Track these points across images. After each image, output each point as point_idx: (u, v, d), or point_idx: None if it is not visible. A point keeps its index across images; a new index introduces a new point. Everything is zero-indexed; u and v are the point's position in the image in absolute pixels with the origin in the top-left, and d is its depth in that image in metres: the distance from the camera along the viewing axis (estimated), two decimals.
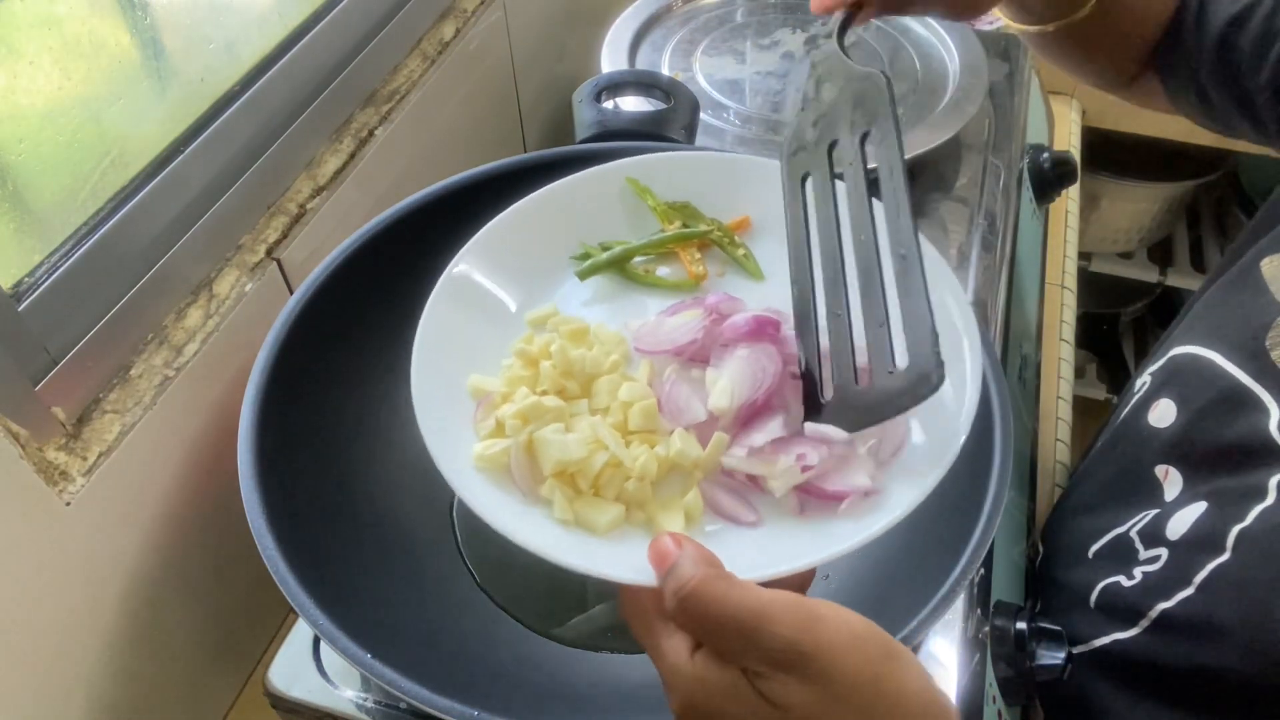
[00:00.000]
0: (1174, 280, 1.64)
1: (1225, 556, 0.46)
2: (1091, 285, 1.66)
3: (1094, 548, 0.56)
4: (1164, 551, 0.50)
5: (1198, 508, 0.49)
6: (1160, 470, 0.53)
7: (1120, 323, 1.84)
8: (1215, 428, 0.50)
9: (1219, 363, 0.51)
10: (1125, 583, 0.52)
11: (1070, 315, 0.97)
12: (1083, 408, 0.92)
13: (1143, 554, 0.52)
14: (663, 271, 0.51)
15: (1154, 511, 0.52)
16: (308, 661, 0.54)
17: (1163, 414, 0.54)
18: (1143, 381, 0.58)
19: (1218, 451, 0.50)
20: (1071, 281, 1.01)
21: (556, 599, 0.58)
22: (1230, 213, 1.64)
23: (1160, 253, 1.68)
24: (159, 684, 0.60)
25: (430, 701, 0.43)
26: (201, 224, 0.57)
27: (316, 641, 0.55)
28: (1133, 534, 0.53)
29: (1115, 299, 1.80)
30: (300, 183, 0.65)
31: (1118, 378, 1.78)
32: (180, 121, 0.57)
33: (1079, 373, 1.76)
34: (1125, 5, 0.59)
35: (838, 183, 0.45)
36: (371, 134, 0.69)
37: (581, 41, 0.97)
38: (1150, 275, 1.64)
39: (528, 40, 0.88)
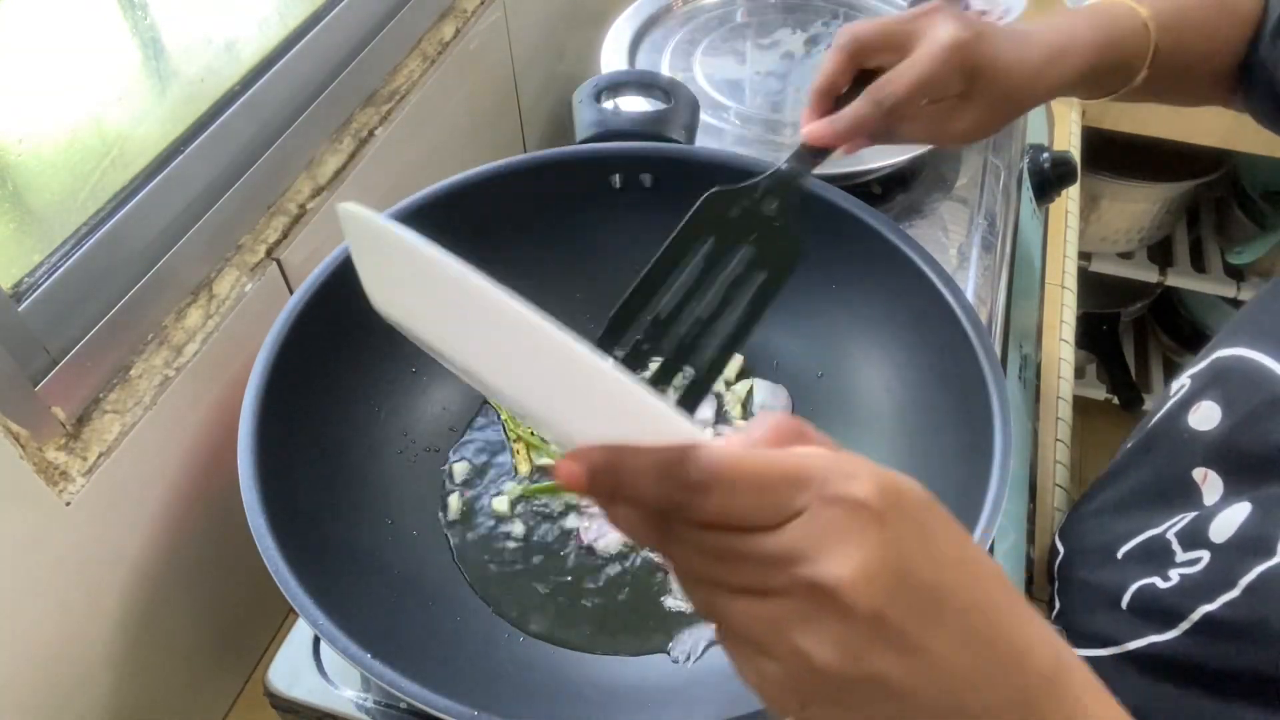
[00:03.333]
0: (1174, 280, 1.64)
1: (1276, 560, 0.46)
2: (1091, 285, 1.66)
3: (1124, 549, 0.56)
4: (1205, 554, 0.49)
5: (1242, 509, 0.49)
6: (1199, 473, 0.53)
7: (1120, 323, 1.84)
8: (1263, 432, 0.49)
9: (1269, 365, 0.50)
10: (1161, 584, 0.51)
11: (1070, 315, 0.97)
12: (1083, 408, 0.92)
13: (1180, 556, 0.51)
14: None
15: (1192, 514, 0.52)
16: (308, 661, 0.54)
17: (1205, 416, 0.53)
18: (1180, 384, 0.58)
19: (1265, 456, 0.49)
20: (1071, 281, 1.01)
21: (556, 599, 0.58)
22: (1230, 213, 1.64)
23: (1160, 253, 1.68)
24: (159, 684, 0.60)
25: (430, 701, 0.43)
26: (201, 224, 0.57)
27: (316, 641, 0.55)
28: (1169, 535, 0.53)
29: (1115, 299, 1.80)
30: (300, 183, 0.65)
31: (1118, 378, 1.78)
32: (180, 121, 0.57)
33: (1079, 373, 1.77)
34: (1186, 54, 0.58)
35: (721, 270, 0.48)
36: (371, 134, 0.69)
37: (581, 41, 0.97)
38: (1150, 275, 1.64)
39: (528, 40, 0.88)
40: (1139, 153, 1.46)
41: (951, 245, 0.76)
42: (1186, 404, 0.55)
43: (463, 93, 0.80)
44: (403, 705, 0.52)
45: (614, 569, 0.59)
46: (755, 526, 0.28)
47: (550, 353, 0.28)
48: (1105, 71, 0.56)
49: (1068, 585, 0.62)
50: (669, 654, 0.56)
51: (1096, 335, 1.81)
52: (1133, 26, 0.56)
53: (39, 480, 0.48)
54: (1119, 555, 0.56)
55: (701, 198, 0.49)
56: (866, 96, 0.51)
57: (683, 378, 0.47)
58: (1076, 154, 1.11)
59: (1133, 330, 1.90)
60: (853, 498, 0.27)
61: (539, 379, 0.29)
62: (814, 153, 0.52)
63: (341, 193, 0.66)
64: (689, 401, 0.45)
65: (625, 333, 0.46)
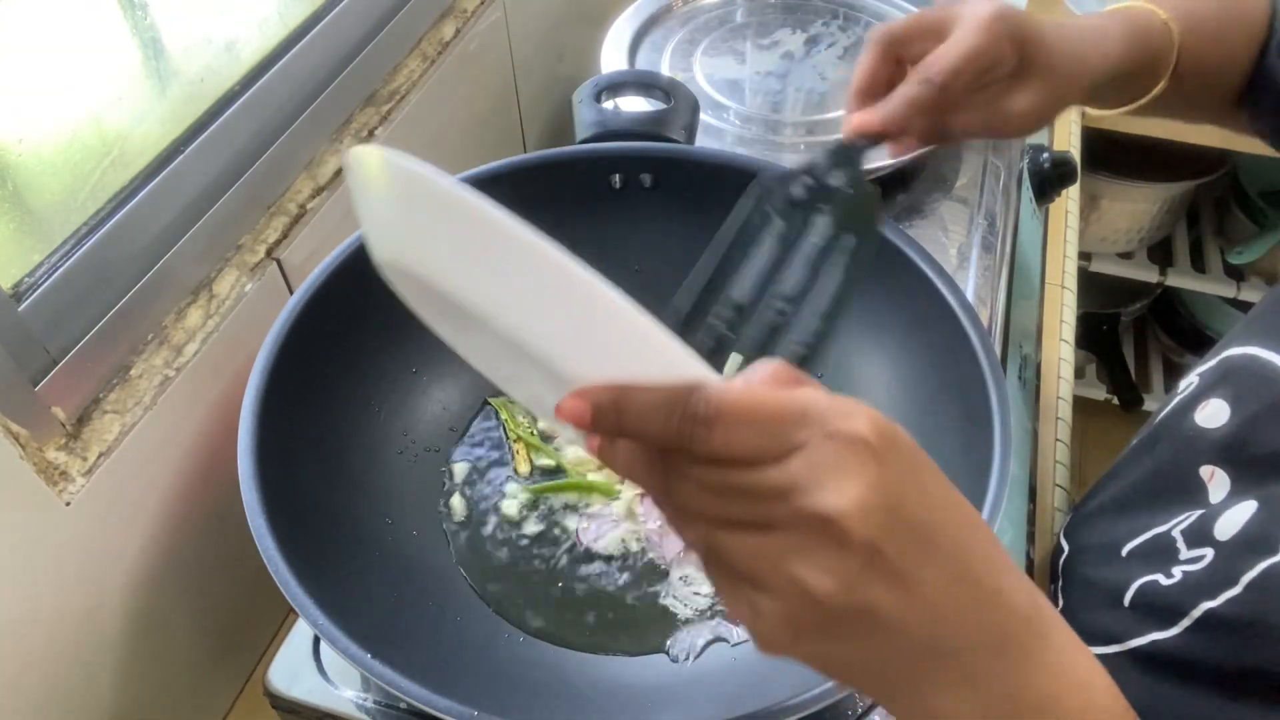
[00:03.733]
0: (1174, 280, 1.64)
1: (1278, 557, 0.45)
2: (1091, 285, 1.66)
3: (1129, 546, 0.56)
4: (1209, 551, 0.49)
5: (1247, 508, 0.48)
6: (1205, 471, 0.52)
7: (1120, 323, 1.84)
8: (1272, 431, 0.49)
9: (1279, 364, 0.50)
10: (1164, 581, 0.51)
11: (1070, 315, 0.97)
12: (1083, 408, 0.92)
13: (1184, 553, 0.51)
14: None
15: (1199, 512, 0.52)
16: (308, 661, 0.54)
17: (1212, 414, 0.53)
18: (1189, 382, 0.58)
19: (1273, 454, 0.49)
20: (1071, 281, 1.01)
21: (556, 599, 0.58)
22: (1230, 213, 1.64)
23: (1160, 253, 1.68)
24: (159, 684, 0.60)
25: (430, 701, 0.43)
26: (201, 224, 0.57)
27: (316, 641, 0.55)
28: (1174, 533, 0.52)
29: (1115, 299, 1.80)
30: (300, 183, 0.65)
31: (1118, 378, 1.78)
32: (180, 121, 0.57)
33: (1079, 373, 1.76)
34: (1203, 63, 0.57)
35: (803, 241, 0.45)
36: (371, 134, 0.69)
37: (581, 41, 0.97)
38: (1150, 275, 1.64)
39: (528, 40, 0.88)
40: (1139, 153, 1.46)
41: (951, 245, 0.76)
42: (1194, 401, 0.55)
43: (463, 93, 0.80)
44: (403, 705, 0.52)
45: (613, 569, 0.59)
46: (757, 460, 0.29)
47: (566, 283, 0.28)
48: (1134, 72, 0.55)
49: (1071, 582, 0.62)
50: (668, 653, 0.56)
51: (1096, 335, 1.81)
52: (1159, 29, 0.55)
53: (39, 480, 0.48)
54: (1123, 553, 0.56)
55: (751, 187, 0.46)
56: (913, 77, 0.48)
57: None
58: (1076, 154, 1.11)
59: (1133, 330, 1.90)
60: (852, 433, 0.28)
61: (552, 314, 0.29)
62: (860, 148, 0.49)
63: (341, 193, 0.66)
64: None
65: (701, 321, 0.43)
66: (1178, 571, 0.51)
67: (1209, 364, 0.56)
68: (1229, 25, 0.58)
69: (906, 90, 0.48)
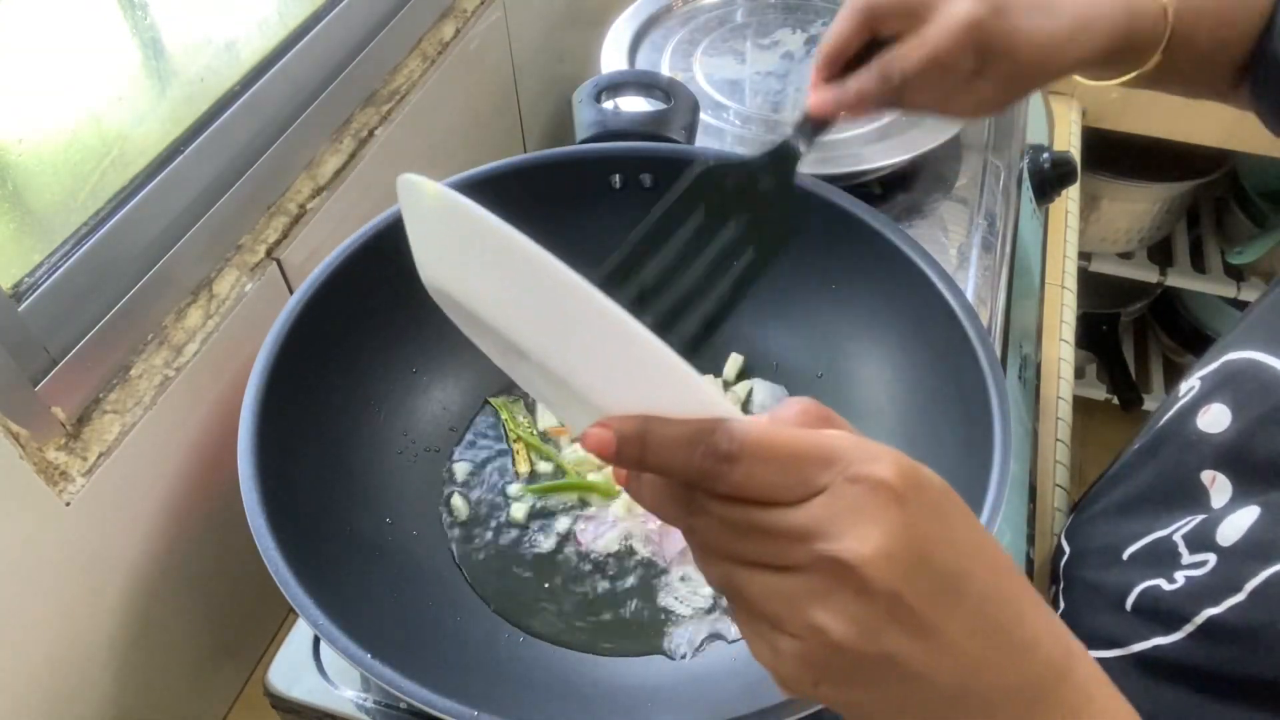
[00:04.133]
0: (1174, 280, 1.64)
1: None
2: (1091, 285, 1.66)
3: (1130, 550, 0.56)
4: (1212, 557, 0.49)
5: (1250, 513, 0.48)
6: (1207, 476, 0.52)
7: (1120, 323, 1.84)
8: (1274, 437, 0.49)
9: None
10: (1166, 586, 0.51)
11: (1070, 315, 0.97)
12: (1083, 408, 0.92)
13: (1186, 558, 0.51)
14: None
15: (1200, 517, 0.52)
16: (308, 661, 0.54)
17: (1214, 419, 0.53)
18: (1190, 385, 0.58)
19: (1275, 461, 0.49)
20: (1071, 281, 1.01)
21: (556, 599, 0.58)
22: (1230, 213, 1.64)
23: (1160, 253, 1.68)
24: (159, 684, 0.60)
25: (430, 701, 0.43)
26: (201, 224, 0.57)
27: (316, 641, 0.55)
28: (1176, 538, 0.52)
29: (1115, 299, 1.80)
30: (300, 183, 0.65)
31: (1118, 378, 1.78)
32: (180, 121, 0.57)
33: (1079, 373, 1.77)
34: (1199, 41, 0.57)
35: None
36: (371, 134, 0.69)
37: (581, 41, 0.97)
38: (1150, 275, 1.64)
39: (528, 40, 0.88)
40: (1139, 153, 1.46)
41: (951, 245, 0.76)
42: (1196, 406, 0.55)
43: (463, 93, 0.80)
44: (403, 705, 0.52)
45: (612, 569, 0.59)
46: (778, 501, 0.28)
47: (597, 319, 0.29)
48: (1123, 50, 0.55)
49: (1073, 585, 0.62)
50: (666, 650, 0.56)
51: (1096, 335, 1.81)
52: (1151, 9, 0.55)
53: (39, 480, 0.48)
54: (1125, 556, 0.56)
55: (695, 169, 0.48)
56: (875, 69, 0.50)
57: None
58: (1076, 154, 1.11)
59: (1133, 330, 1.90)
60: (875, 478, 0.28)
61: (582, 346, 0.30)
62: (817, 123, 0.51)
63: (341, 193, 0.66)
64: None
65: (618, 294, 0.45)
66: (1180, 577, 0.51)
67: (1210, 367, 0.56)
68: (1232, 5, 0.58)
69: (864, 81, 0.50)
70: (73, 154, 0.53)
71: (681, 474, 0.29)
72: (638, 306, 0.45)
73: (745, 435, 0.28)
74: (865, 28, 0.51)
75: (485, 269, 0.30)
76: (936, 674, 0.29)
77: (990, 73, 0.51)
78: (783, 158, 0.50)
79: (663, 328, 0.45)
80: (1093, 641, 0.55)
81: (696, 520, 0.30)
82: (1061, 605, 0.62)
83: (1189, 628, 0.49)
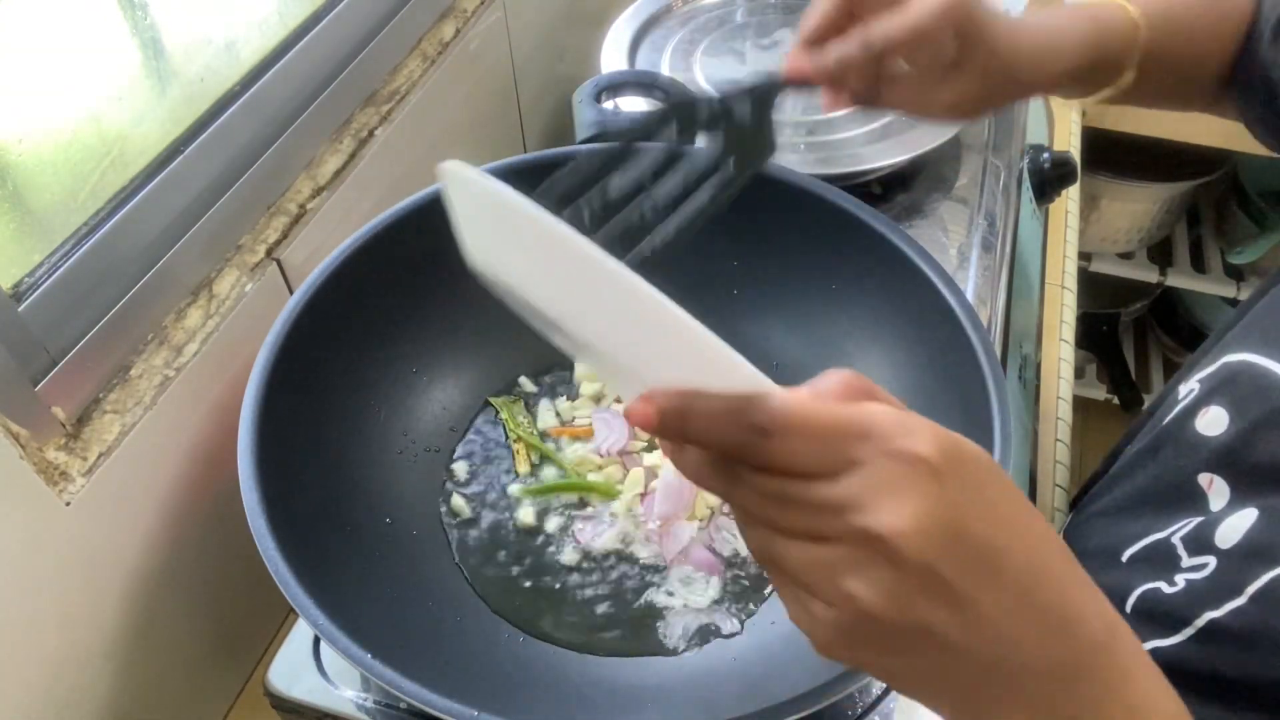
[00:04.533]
0: (1174, 280, 1.64)
1: None
2: (1091, 285, 1.66)
3: (1129, 552, 0.56)
4: (1212, 560, 0.49)
5: (1248, 515, 0.48)
6: (1204, 479, 0.52)
7: (1120, 323, 1.84)
8: (1271, 440, 0.49)
9: (1278, 372, 0.50)
10: (1166, 589, 0.51)
11: (1070, 315, 0.97)
12: (1083, 408, 0.92)
13: (1186, 561, 0.51)
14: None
15: (1198, 519, 0.52)
16: (308, 661, 0.54)
17: (1212, 422, 0.53)
18: (1189, 388, 0.57)
19: (1272, 465, 0.48)
20: (1071, 281, 1.01)
21: (555, 599, 0.58)
22: (1230, 213, 1.64)
23: (1160, 253, 1.68)
24: (159, 684, 0.60)
25: (430, 701, 0.43)
26: (201, 224, 0.57)
27: (316, 641, 0.55)
28: (1174, 540, 0.52)
29: (1115, 299, 1.80)
30: (300, 183, 0.65)
31: (1118, 378, 1.78)
32: (180, 121, 0.57)
33: (1079, 373, 1.77)
34: (1174, 56, 0.57)
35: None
36: (371, 134, 0.69)
37: (581, 41, 0.97)
38: (1150, 275, 1.64)
39: (528, 40, 0.88)
40: (1139, 153, 1.46)
41: (951, 245, 0.76)
42: (1194, 408, 0.55)
43: (463, 93, 0.80)
44: (403, 705, 0.52)
45: (612, 569, 0.59)
46: (815, 474, 0.29)
47: (636, 304, 0.30)
48: (1093, 69, 0.56)
49: None
50: (662, 641, 0.56)
51: (1096, 335, 1.81)
52: (1122, 24, 0.55)
53: (39, 480, 0.48)
54: (1124, 558, 0.56)
55: (668, 103, 0.48)
56: (855, 37, 0.50)
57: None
58: (1076, 154, 1.11)
59: (1133, 330, 1.90)
60: (912, 452, 0.28)
61: (623, 329, 0.31)
62: (784, 85, 0.51)
63: (342, 193, 0.66)
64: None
65: (567, 202, 0.44)
66: (1180, 580, 0.51)
67: (1209, 369, 0.56)
68: (1206, 17, 0.58)
69: (843, 48, 0.50)
70: (73, 154, 0.53)
71: (721, 447, 0.30)
72: (603, 215, 0.45)
73: (783, 410, 0.29)
74: (844, 6, 0.51)
75: (528, 254, 0.31)
76: (971, 646, 0.29)
77: (970, 65, 0.51)
78: (759, 90, 0.49)
79: (627, 241, 0.45)
80: None
81: (736, 490, 0.31)
82: None
83: (1189, 630, 0.49)
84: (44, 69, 0.52)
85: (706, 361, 0.30)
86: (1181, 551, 0.51)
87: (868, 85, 0.51)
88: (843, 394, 0.31)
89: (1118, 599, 0.54)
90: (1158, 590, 0.52)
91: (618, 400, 0.67)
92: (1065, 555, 0.31)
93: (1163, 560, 0.52)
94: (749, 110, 0.49)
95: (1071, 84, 0.57)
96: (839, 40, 0.50)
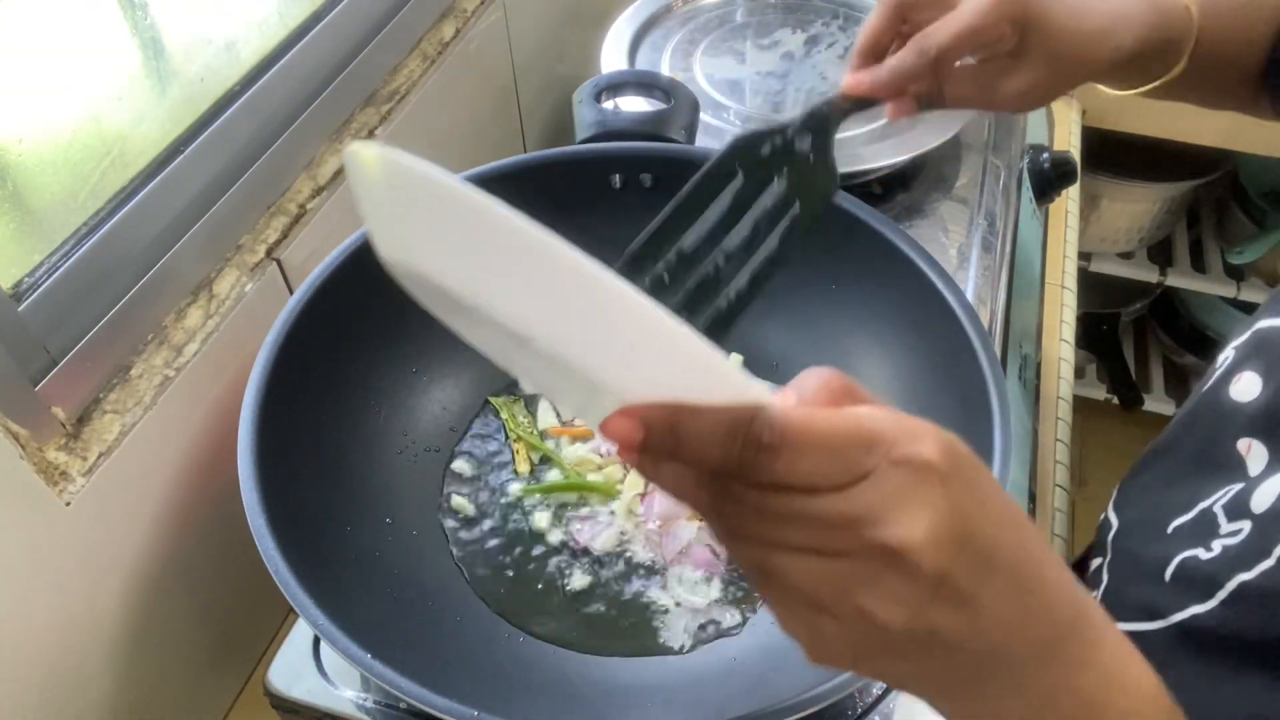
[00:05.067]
0: (1174, 280, 1.64)
1: None
2: (1091, 285, 1.66)
3: (1175, 523, 0.56)
4: (1247, 524, 0.49)
5: None
6: (1243, 444, 0.52)
7: (1120, 323, 1.84)
8: None
9: None
10: (1203, 555, 0.51)
11: (1070, 315, 0.97)
12: (1083, 408, 0.92)
13: (1225, 527, 0.51)
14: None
15: (1238, 486, 0.52)
16: (308, 661, 0.54)
17: (1246, 388, 0.53)
18: (1225, 356, 0.58)
19: None
20: (1071, 281, 1.01)
21: (555, 599, 0.58)
22: (1230, 213, 1.64)
23: (1160, 253, 1.68)
24: (159, 684, 0.60)
25: (430, 701, 0.43)
26: (201, 224, 0.57)
27: (316, 641, 0.55)
28: (1216, 508, 0.52)
29: (1115, 299, 1.80)
30: (300, 183, 0.65)
31: (1118, 378, 1.78)
32: (180, 121, 0.57)
33: (1079, 373, 1.77)
34: (1222, 46, 0.57)
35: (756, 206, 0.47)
36: (371, 134, 0.69)
37: (581, 41, 0.97)
38: (1150, 275, 1.64)
39: (528, 40, 0.88)
40: (1139, 153, 1.46)
41: (951, 245, 0.76)
42: (1228, 376, 0.55)
43: (463, 93, 0.80)
44: (403, 705, 0.52)
45: (611, 568, 0.59)
46: (822, 488, 0.28)
47: (597, 297, 0.26)
48: (1152, 53, 0.55)
49: (1118, 558, 0.61)
50: (664, 644, 0.56)
51: (1096, 335, 1.81)
52: (1179, 12, 0.55)
53: (39, 480, 0.48)
54: (1169, 530, 0.56)
55: (730, 139, 0.47)
56: (911, 45, 0.49)
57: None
58: (1076, 154, 1.11)
59: (1133, 330, 1.90)
60: (920, 459, 0.28)
61: (583, 327, 0.26)
62: (850, 104, 0.50)
63: (342, 193, 0.66)
64: (714, 336, 0.43)
65: (647, 265, 0.44)
66: (1217, 545, 0.50)
67: (1243, 337, 0.56)
68: (1249, 7, 0.58)
69: (900, 58, 0.49)
70: (73, 154, 0.53)
71: (718, 466, 0.28)
72: (678, 271, 0.44)
73: (786, 424, 0.27)
74: (896, 18, 0.51)
75: (445, 236, 0.26)
76: (972, 641, 0.29)
77: (1031, 53, 0.50)
78: (818, 118, 0.49)
79: (704, 293, 0.44)
80: (1136, 613, 0.55)
81: (728, 506, 0.29)
82: (1105, 579, 0.61)
83: (1222, 594, 0.49)
84: (44, 69, 0.52)
85: (689, 364, 0.27)
86: (1221, 519, 0.51)
87: (930, 90, 0.51)
88: (828, 397, 0.30)
89: (1158, 569, 0.54)
90: (1195, 557, 0.52)
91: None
92: (1038, 540, 0.32)
93: (1204, 528, 0.52)
94: (809, 142, 0.49)
95: (1130, 69, 0.56)
96: (896, 54, 0.50)
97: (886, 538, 0.27)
